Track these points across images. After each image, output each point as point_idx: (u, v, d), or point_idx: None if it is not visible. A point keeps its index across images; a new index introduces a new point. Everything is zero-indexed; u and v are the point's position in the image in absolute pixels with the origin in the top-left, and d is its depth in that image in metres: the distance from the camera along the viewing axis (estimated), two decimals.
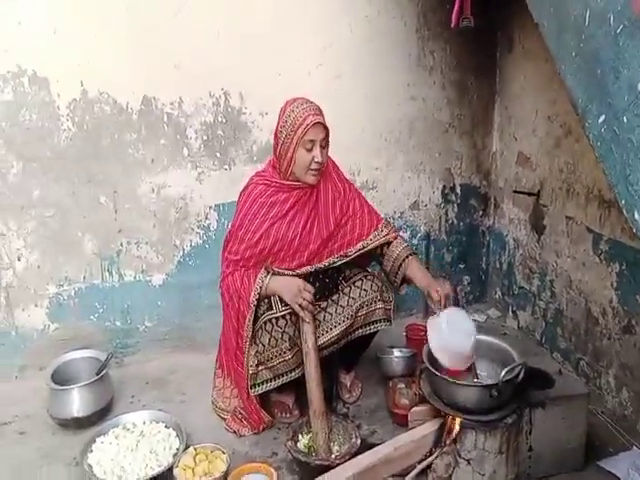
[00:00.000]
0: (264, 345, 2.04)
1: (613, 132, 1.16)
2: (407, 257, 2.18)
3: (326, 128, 2.02)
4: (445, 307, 1.98)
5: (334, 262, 2.15)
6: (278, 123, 2.04)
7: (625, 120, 1.13)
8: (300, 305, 1.97)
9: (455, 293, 2.08)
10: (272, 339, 2.03)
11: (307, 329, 1.98)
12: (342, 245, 2.17)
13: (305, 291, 1.98)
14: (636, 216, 1.13)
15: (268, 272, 2.06)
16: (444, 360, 1.86)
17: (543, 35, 1.39)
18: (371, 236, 2.20)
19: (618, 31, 1.12)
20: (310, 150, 2.00)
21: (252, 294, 2.02)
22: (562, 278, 2.53)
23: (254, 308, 2.03)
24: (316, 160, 2.01)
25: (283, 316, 2.04)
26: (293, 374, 2.08)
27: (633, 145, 1.11)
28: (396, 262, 2.19)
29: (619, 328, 2.18)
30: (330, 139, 2.07)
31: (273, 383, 2.10)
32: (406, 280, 2.20)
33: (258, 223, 2.07)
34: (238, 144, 2.67)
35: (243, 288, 2.04)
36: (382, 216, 2.33)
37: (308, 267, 2.11)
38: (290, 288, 2.00)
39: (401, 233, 2.99)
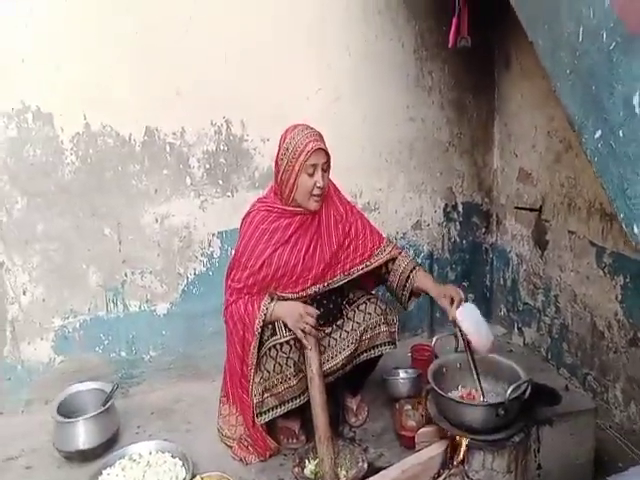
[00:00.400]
0: (269, 372, 2.03)
1: (610, 147, 1.18)
2: (413, 269, 2.19)
3: (327, 153, 2.04)
4: None
5: (339, 281, 2.15)
6: (279, 151, 2.06)
7: (621, 135, 1.14)
8: (303, 330, 1.96)
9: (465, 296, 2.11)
10: (277, 365, 2.01)
11: (311, 355, 1.97)
12: (345, 267, 2.17)
13: (307, 315, 1.97)
14: (635, 230, 1.13)
15: (272, 298, 2.06)
16: (480, 339, 1.94)
17: (538, 53, 1.41)
18: (375, 255, 2.21)
19: (611, 47, 1.15)
20: (312, 175, 2.01)
21: (257, 321, 2.00)
22: (566, 293, 2.52)
23: (259, 335, 2.02)
24: (318, 185, 2.02)
25: (287, 342, 2.03)
26: (298, 400, 2.07)
27: (630, 159, 1.12)
28: (403, 275, 2.19)
29: (625, 341, 2.16)
30: (332, 156, 2.09)
31: (279, 410, 2.08)
32: (414, 293, 2.21)
33: (260, 250, 2.07)
34: (240, 171, 2.70)
35: (247, 315, 2.03)
36: (385, 235, 2.33)
37: (313, 287, 2.10)
38: (292, 313, 1.99)
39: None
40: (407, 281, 2.18)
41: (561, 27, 1.29)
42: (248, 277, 2.08)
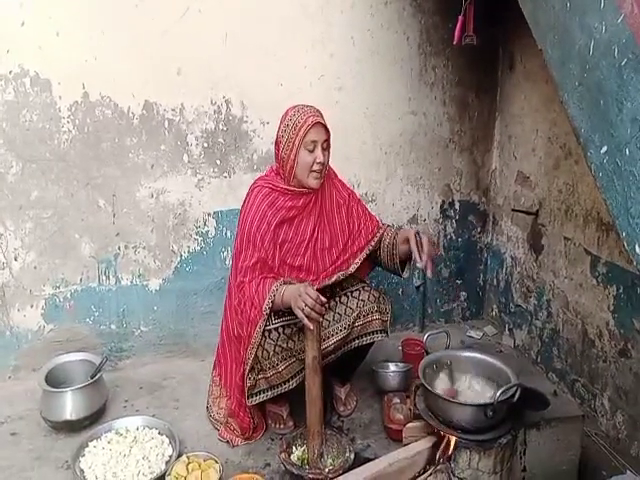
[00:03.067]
0: (257, 357, 2.02)
1: (615, 164, 1.17)
2: (397, 234, 2.21)
3: (327, 130, 2.05)
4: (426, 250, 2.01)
5: (339, 278, 2.15)
6: (279, 127, 2.07)
7: (627, 152, 1.13)
8: (302, 310, 1.84)
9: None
10: (265, 351, 2.00)
11: (309, 337, 1.89)
12: (353, 249, 2.20)
13: (306, 295, 1.86)
14: (637, 249, 1.13)
15: (284, 282, 2.01)
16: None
17: (547, 62, 1.39)
18: (371, 242, 2.23)
19: (622, 64, 1.14)
20: (312, 151, 2.03)
21: (266, 301, 1.97)
22: (559, 298, 2.55)
23: (266, 316, 1.98)
24: (318, 161, 2.03)
25: (276, 329, 2.02)
26: (287, 385, 2.07)
27: (635, 178, 1.12)
28: (390, 243, 2.21)
29: (615, 351, 2.19)
30: (331, 145, 2.09)
31: (269, 393, 2.08)
32: (402, 255, 2.19)
33: (266, 226, 2.06)
34: (238, 152, 2.68)
35: (257, 294, 2.00)
36: (377, 219, 2.36)
37: (315, 285, 2.07)
38: (294, 294, 1.92)
39: None
40: (394, 247, 2.20)
41: (572, 39, 1.28)
42: (254, 253, 2.05)
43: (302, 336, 2.01)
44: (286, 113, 2.08)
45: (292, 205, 2.10)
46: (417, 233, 2.06)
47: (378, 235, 2.25)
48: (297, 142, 2.01)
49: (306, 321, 1.84)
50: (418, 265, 2.02)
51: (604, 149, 1.20)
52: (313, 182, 2.08)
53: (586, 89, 1.25)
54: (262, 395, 2.08)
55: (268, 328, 2.01)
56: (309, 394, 1.94)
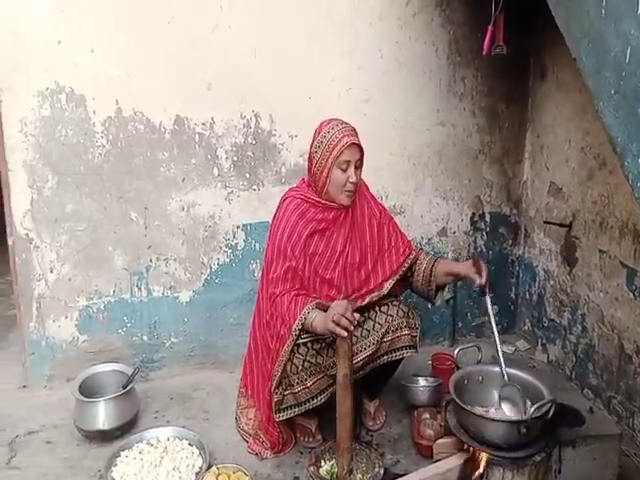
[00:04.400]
0: (286, 372, 2.02)
1: None
2: (435, 261, 2.21)
3: (361, 149, 2.05)
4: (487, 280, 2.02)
5: (372, 299, 2.16)
6: (313, 143, 2.07)
7: None
8: (333, 321, 1.80)
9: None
10: (293, 366, 2.00)
11: (340, 355, 1.85)
12: (385, 269, 2.19)
13: (338, 306, 1.85)
14: None
15: (316, 305, 1.96)
16: None
17: (581, 70, 1.37)
18: (403, 266, 2.21)
19: None
20: (345, 170, 2.02)
21: (297, 321, 1.94)
22: (594, 313, 2.48)
23: (295, 337, 1.95)
24: (351, 181, 2.03)
25: (304, 344, 2.01)
26: (315, 401, 2.05)
27: None
28: (426, 270, 2.20)
29: None
30: (364, 160, 2.09)
31: (296, 410, 2.07)
32: (440, 286, 2.20)
33: (297, 237, 2.05)
34: (267, 165, 2.70)
35: (289, 312, 1.98)
36: (409, 239, 2.34)
37: (355, 299, 2.10)
38: (325, 321, 1.86)
39: None
40: (431, 275, 2.18)
41: (607, 46, 1.26)
42: (285, 262, 2.04)
43: (331, 352, 2.02)
44: (320, 128, 2.07)
45: (323, 217, 2.10)
46: (476, 259, 2.09)
47: (411, 258, 2.23)
48: (330, 160, 2.01)
49: (339, 330, 1.79)
50: (477, 283, 2.03)
51: None
52: (345, 200, 2.08)
53: (622, 97, 1.22)
54: (290, 411, 2.07)
55: (297, 342, 2.00)
56: (339, 411, 1.92)
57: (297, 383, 2.02)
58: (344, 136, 2.00)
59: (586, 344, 2.55)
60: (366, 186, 2.26)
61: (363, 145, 2.08)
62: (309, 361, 2.00)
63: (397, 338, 2.15)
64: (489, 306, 2.02)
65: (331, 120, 2.07)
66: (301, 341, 2.00)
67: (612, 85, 1.25)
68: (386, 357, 2.16)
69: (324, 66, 2.65)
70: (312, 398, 2.05)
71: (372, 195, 2.28)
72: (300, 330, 1.95)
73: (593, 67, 1.32)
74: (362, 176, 2.17)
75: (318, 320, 1.91)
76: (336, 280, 2.13)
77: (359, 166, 2.07)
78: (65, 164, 2.48)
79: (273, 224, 2.15)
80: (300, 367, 2.00)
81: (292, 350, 1.99)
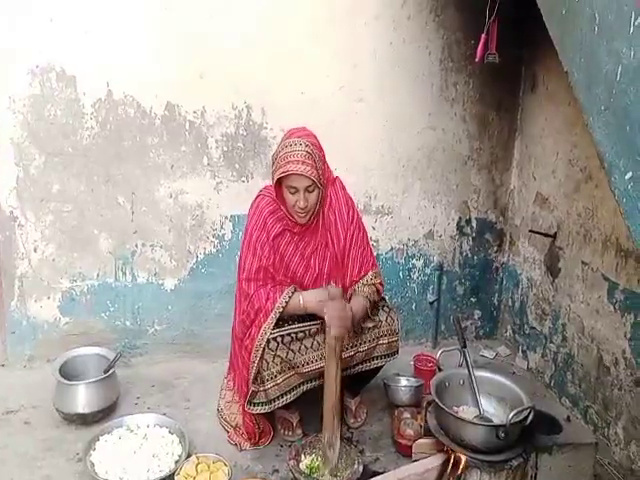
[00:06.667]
0: (260, 367, 2.00)
1: None
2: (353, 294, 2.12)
3: (311, 177, 1.93)
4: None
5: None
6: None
7: None
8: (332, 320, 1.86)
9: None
10: (264, 362, 1.99)
11: (329, 344, 1.89)
12: (345, 282, 2.15)
13: (337, 307, 1.88)
14: None
15: (295, 289, 2.03)
16: None
17: (572, 85, 1.38)
18: (359, 282, 2.15)
19: None
20: (293, 194, 1.97)
21: (276, 304, 1.96)
22: (575, 323, 2.53)
23: (274, 321, 1.98)
24: (299, 205, 1.97)
25: (274, 338, 1.99)
26: (285, 398, 2.05)
27: None
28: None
29: (631, 380, 2.17)
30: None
31: (267, 407, 2.05)
32: None
33: (265, 234, 2.05)
34: (257, 158, 2.70)
35: (268, 301, 2.00)
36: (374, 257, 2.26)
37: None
38: (318, 297, 1.92)
39: (414, 262, 3.01)
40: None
41: (599, 63, 1.26)
42: (254, 261, 2.04)
43: (303, 348, 2.02)
44: (283, 137, 2.02)
45: (293, 221, 2.08)
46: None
47: (368, 278, 2.14)
48: (275, 178, 1.96)
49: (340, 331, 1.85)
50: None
51: (629, 175, 1.18)
52: (299, 219, 2.04)
53: (612, 114, 1.23)
54: (260, 407, 2.05)
55: (267, 338, 1.99)
56: (325, 404, 1.93)
57: (267, 380, 2.00)
58: (288, 162, 1.90)
59: (566, 353, 2.60)
60: (343, 186, 2.18)
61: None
62: (279, 356, 1.99)
63: (373, 348, 2.15)
64: (468, 358, 2.01)
65: (292, 133, 1.99)
66: (271, 336, 1.99)
67: (602, 101, 1.26)
68: (361, 366, 2.16)
69: (319, 62, 2.64)
70: (281, 395, 2.04)
71: (348, 198, 2.18)
72: (281, 313, 1.96)
73: (584, 82, 1.33)
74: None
75: (308, 296, 1.93)
76: (306, 283, 2.13)
77: (312, 190, 1.97)
78: (53, 144, 2.45)
79: (247, 221, 2.13)
80: (270, 362, 1.98)
81: (264, 347, 1.98)
